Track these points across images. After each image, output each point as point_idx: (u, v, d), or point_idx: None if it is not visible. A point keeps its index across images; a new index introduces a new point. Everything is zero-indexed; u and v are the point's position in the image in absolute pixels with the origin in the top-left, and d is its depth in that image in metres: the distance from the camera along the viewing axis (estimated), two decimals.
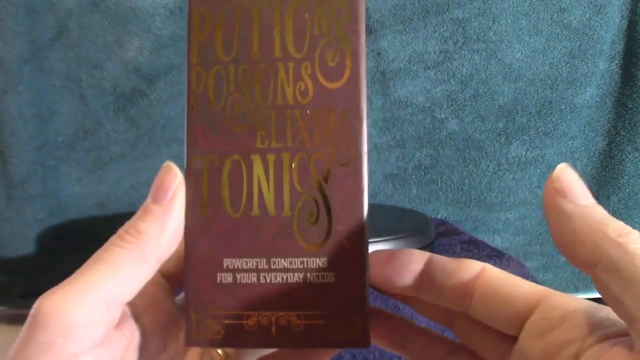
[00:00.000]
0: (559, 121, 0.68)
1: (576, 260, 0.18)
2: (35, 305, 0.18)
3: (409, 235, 0.46)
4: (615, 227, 0.17)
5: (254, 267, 0.21)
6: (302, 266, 0.21)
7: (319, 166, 0.21)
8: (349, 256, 0.21)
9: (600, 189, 0.70)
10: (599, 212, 0.17)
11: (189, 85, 0.22)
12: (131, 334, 0.20)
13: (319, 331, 0.21)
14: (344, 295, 0.21)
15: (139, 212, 0.21)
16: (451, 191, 0.69)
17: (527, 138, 0.68)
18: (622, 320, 0.17)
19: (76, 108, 0.62)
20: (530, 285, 0.20)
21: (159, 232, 0.20)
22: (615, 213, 0.70)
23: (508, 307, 0.20)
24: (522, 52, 0.66)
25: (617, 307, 0.17)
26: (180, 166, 0.22)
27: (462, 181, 0.68)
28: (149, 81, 0.63)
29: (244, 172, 0.21)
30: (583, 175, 0.69)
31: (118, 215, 0.65)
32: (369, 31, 0.62)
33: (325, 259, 0.21)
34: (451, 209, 0.69)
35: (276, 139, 0.21)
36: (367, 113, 0.21)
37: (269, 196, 0.21)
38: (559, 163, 0.19)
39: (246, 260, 0.21)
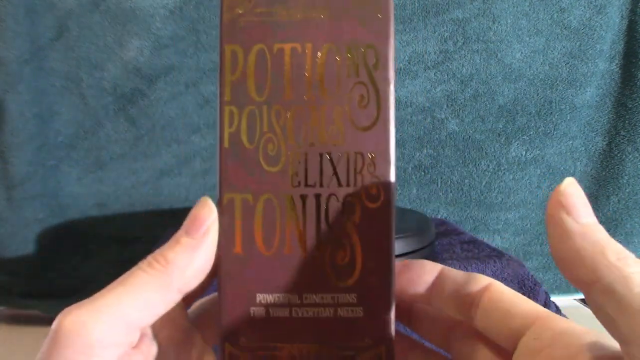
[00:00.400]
0: (559, 121, 0.68)
1: (573, 277, 0.18)
2: (56, 321, 0.19)
3: (409, 235, 0.46)
4: (614, 250, 0.17)
5: (286, 301, 0.22)
6: (332, 301, 0.22)
7: (350, 207, 0.22)
8: (377, 292, 0.22)
9: (600, 189, 0.70)
10: (599, 233, 0.18)
11: (221, 123, 0.22)
12: (148, 351, 0.21)
13: None
14: (372, 328, 0.22)
15: (170, 242, 0.21)
16: (451, 191, 0.69)
17: (527, 138, 0.68)
18: (612, 347, 0.17)
19: (76, 108, 0.62)
20: (531, 304, 0.21)
21: (186, 264, 0.20)
22: (615, 213, 0.70)
23: (506, 321, 0.21)
24: (522, 52, 0.66)
25: (611, 328, 0.17)
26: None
27: (462, 181, 0.69)
28: (149, 81, 0.63)
29: (277, 211, 0.22)
30: (583, 175, 0.70)
31: (118, 215, 0.65)
32: None
33: (355, 295, 0.22)
34: (451, 209, 0.69)
35: (308, 179, 0.22)
36: (395, 156, 0.22)
37: (301, 235, 0.22)
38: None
39: (278, 295, 0.22)
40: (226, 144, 0.22)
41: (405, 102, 0.66)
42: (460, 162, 0.68)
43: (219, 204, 0.22)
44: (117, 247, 0.65)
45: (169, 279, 0.20)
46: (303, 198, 0.22)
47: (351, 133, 0.22)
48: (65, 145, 0.63)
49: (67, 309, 0.19)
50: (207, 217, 0.21)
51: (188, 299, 0.23)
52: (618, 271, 0.17)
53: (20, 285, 0.62)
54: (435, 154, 0.68)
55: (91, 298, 0.19)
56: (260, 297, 0.22)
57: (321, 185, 0.22)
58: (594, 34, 0.66)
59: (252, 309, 0.22)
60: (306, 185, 0.22)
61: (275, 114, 0.22)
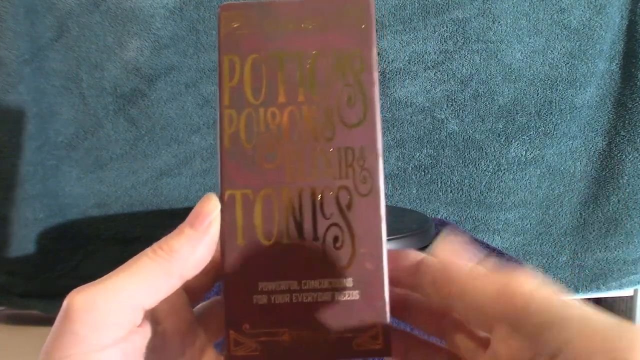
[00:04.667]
0: (559, 121, 0.68)
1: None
2: (67, 300, 0.20)
3: (408, 235, 0.46)
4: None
5: (287, 288, 0.24)
6: (329, 286, 0.24)
7: (343, 197, 0.24)
8: (372, 276, 0.24)
9: (600, 189, 0.70)
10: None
11: (221, 125, 0.24)
12: (152, 335, 0.22)
13: (347, 343, 0.23)
14: (368, 310, 0.23)
15: (175, 231, 0.23)
16: (451, 191, 0.69)
17: (527, 138, 0.68)
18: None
19: (76, 108, 0.62)
20: (494, 282, 0.22)
21: (188, 254, 0.22)
22: (615, 213, 0.70)
23: (480, 311, 0.21)
24: (522, 52, 0.66)
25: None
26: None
27: (462, 181, 0.69)
28: (149, 81, 0.63)
29: (275, 204, 0.24)
30: (583, 175, 0.70)
31: (118, 215, 0.65)
32: None
33: (351, 279, 0.24)
34: (451, 209, 0.69)
35: (303, 174, 0.24)
36: (382, 150, 0.24)
37: (298, 224, 0.24)
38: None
39: (279, 282, 0.24)
40: (226, 144, 0.24)
41: (405, 102, 0.66)
42: (460, 162, 0.68)
43: (221, 200, 0.24)
44: (117, 247, 0.65)
45: (172, 266, 0.22)
46: (299, 191, 0.24)
47: (341, 130, 0.24)
48: (65, 145, 0.63)
49: (77, 289, 0.21)
50: (210, 212, 0.23)
51: (194, 295, 0.25)
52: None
53: (20, 285, 0.62)
54: (435, 154, 0.68)
55: (99, 280, 0.21)
56: (262, 285, 0.23)
57: (316, 178, 0.24)
58: (594, 34, 0.66)
59: (255, 297, 0.23)
60: (301, 179, 0.24)
61: (270, 115, 0.24)
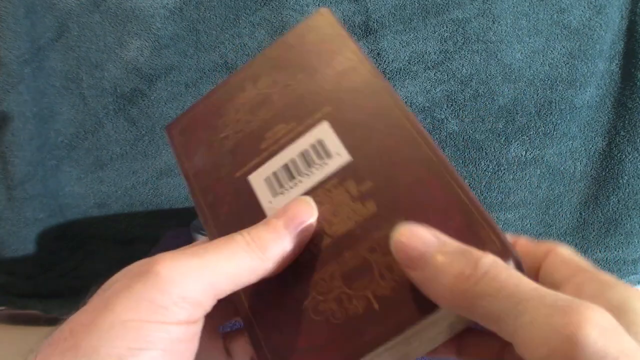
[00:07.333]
0: (558, 121, 0.68)
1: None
2: (155, 265, 0.20)
3: None
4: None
5: None
6: None
7: None
8: None
9: (600, 189, 0.70)
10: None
11: None
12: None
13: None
14: None
15: (268, 226, 0.22)
16: None
17: (527, 138, 0.68)
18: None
19: (76, 108, 0.62)
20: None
21: (278, 256, 0.21)
22: (615, 213, 0.70)
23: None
24: (522, 52, 0.66)
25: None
26: None
27: None
28: (149, 81, 0.63)
29: None
30: (583, 175, 0.70)
31: (118, 215, 0.65)
32: (369, 31, 0.62)
33: None
34: None
35: None
36: None
37: None
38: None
39: None
40: None
41: (405, 102, 0.66)
42: (460, 162, 0.68)
43: None
44: (117, 247, 0.65)
45: (262, 263, 0.21)
46: None
47: None
48: (65, 145, 0.63)
49: (167, 256, 0.20)
50: (307, 218, 0.22)
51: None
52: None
53: (20, 285, 0.62)
54: None
55: (191, 251, 0.20)
56: None
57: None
58: (594, 34, 0.66)
59: None
60: None
61: None
